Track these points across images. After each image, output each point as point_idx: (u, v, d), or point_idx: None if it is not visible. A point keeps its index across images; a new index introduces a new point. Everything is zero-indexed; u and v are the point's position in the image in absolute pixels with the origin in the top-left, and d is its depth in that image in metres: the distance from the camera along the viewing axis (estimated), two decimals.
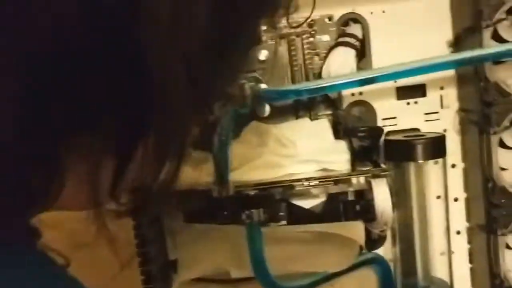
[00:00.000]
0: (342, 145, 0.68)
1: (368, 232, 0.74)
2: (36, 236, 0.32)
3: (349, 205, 0.73)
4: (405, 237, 0.72)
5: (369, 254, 0.74)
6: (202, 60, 0.27)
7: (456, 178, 0.75)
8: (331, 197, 0.73)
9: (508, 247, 0.68)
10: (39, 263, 0.31)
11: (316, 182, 0.62)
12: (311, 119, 0.70)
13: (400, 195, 0.71)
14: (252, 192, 0.60)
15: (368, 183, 0.63)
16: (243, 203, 0.60)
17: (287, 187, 0.62)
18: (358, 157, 0.69)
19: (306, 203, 0.73)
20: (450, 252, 0.72)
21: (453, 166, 0.74)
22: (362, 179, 0.63)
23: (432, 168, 0.72)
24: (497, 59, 0.63)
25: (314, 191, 0.63)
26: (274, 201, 0.61)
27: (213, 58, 0.29)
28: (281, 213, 0.73)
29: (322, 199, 0.73)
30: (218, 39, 0.28)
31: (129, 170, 0.30)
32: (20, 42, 0.23)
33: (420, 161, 0.68)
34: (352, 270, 0.73)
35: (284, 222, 0.73)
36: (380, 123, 0.73)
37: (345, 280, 0.75)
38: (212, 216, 0.64)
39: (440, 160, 0.71)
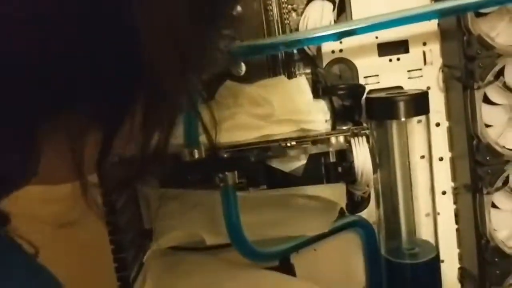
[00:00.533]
0: (322, 104, 0.65)
1: (351, 195, 0.72)
2: (4, 221, 0.30)
3: (331, 167, 0.71)
4: (388, 198, 0.70)
5: (352, 216, 0.72)
6: (188, 29, 0.27)
7: (440, 137, 0.72)
8: (311, 159, 0.70)
9: (494, 206, 0.66)
10: (4, 250, 0.29)
11: (293, 143, 0.59)
12: (289, 78, 0.67)
13: (383, 155, 0.68)
14: (225, 155, 0.57)
15: (348, 143, 0.60)
16: (216, 166, 0.57)
17: (263, 149, 0.59)
18: (338, 116, 0.66)
19: (286, 167, 0.70)
20: (435, 213, 0.70)
21: (438, 125, 0.72)
22: (341, 138, 0.60)
23: (416, 127, 0.69)
24: (480, 8, 0.60)
25: (292, 152, 0.60)
26: (249, 163, 0.58)
27: (199, 27, 0.28)
28: (261, 178, 0.71)
29: (302, 161, 0.70)
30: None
31: (116, 143, 0.28)
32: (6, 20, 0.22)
33: (403, 119, 0.65)
34: (334, 233, 0.71)
35: (264, 186, 0.71)
36: (361, 81, 0.70)
37: (328, 244, 0.73)
38: (185, 181, 0.61)
39: (423, 118, 0.68)
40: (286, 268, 0.72)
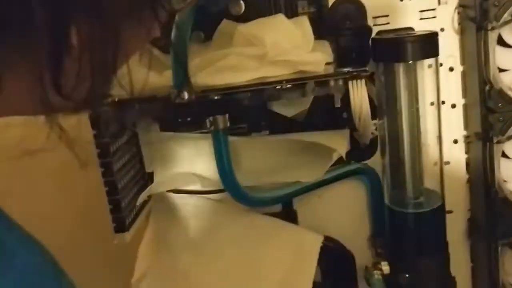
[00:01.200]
0: (324, 45, 0.62)
1: (356, 142, 0.69)
2: None
3: (335, 112, 0.68)
4: (394, 146, 0.67)
5: (357, 164, 0.70)
6: None
7: (454, 83, 0.68)
8: (315, 104, 0.68)
9: (504, 155, 0.62)
10: None
11: (289, 85, 0.56)
12: (291, 17, 0.64)
13: (389, 101, 0.65)
14: (216, 97, 0.55)
15: (347, 86, 0.57)
16: (206, 109, 0.55)
17: (257, 91, 0.56)
18: (341, 58, 0.63)
19: (289, 112, 0.68)
20: (442, 162, 0.66)
21: (451, 69, 0.68)
22: (340, 82, 0.57)
23: (426, 72, 0.65)
24: None
25: (288, 95, 0.57)
26: (241, 106, 0.56)
27: None
28: (263, 123, 0.69)
29: (305, 106, 0.68)
30: None
31: (67, 64, 0.29)
32: None
33: (410, 62, 0.61)
34: (338, 180, 0.69)
35: (266, 132, 0.69)
36: (370, 22, 0.66)
37: (332, 191, 0.71)
38: (176, 123, 0.59)
39: (434, 63, 0.64)
40: (289, 214, 0.71)
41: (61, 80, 0.29)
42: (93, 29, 0.28)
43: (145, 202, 0.71)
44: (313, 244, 0.63)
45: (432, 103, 0.66)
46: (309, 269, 0.61)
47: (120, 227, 0.63)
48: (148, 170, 0.71)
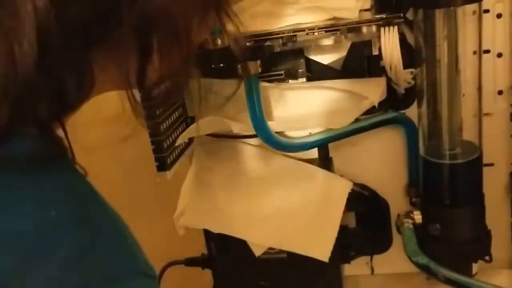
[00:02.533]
0: None
1: (393, 91, 0.69)
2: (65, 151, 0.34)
3: (372, 60, 0.68)
4: (432, 96, 0.66)
5: (393, 113, 0.69)
6: None
7: (501, 31, 0.65)
8: (352, 52, 0.67)
9: None
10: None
11: (321, 32, 0.57)
12: None
13: (428, 49, 0.63)
14: (248, 43, 0.56)
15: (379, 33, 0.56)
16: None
17: (289, 38, 0.57)
18: (380, 4, 0.62)
19: (325, 59, 0.68)
20: (481, 114, 0.65)
21: (499, 16, 0.65)
22: (373, 28, 0.57)
23: (470, 20, 0.63)
24: None
25: (321, 42, 0.58)
26: (274, 53, 0.57)
27: None
28: (300, 70, 0.69)
29: (342, 54, 0.68)
30: None
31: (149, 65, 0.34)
32: None
33: (451, 7, 0.59)
34: (374, 128, 0.70)
35: (303, 79, 0.70)
36: None
37: (368, 140, 0.72)
38: (213, 70, 0.61)
39: (477, 9, 0.61)
40: (324, 161, 0.73)
41: (144, 80, 0.35)
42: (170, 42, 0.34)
43: (188, 145, 0.74)
44: (342, 190, 0.65)
45: (474, 52, 0.64)
46: (337, 213, 0.63)
47: (162, 166, 0.67)
48: (190, 114, 0.74)
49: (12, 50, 0.28)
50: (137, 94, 0.39)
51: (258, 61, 0.57)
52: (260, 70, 0.57)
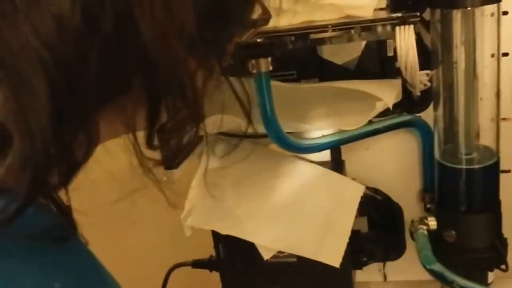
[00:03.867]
0: None
1: (409, 93, 0.67)
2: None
3: (387, 61, 0.66)
4: (448, 99, 0.64)
5: (408, 115, 0.68)
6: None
7: None
8: (367, 52, 0.66)
9: None
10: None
11: (334, 30, 0.55)
12: None
13: (445, 51, 0.62)
14: (258, 40, 0.55)
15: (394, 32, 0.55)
16: (249, 52, 0.55)
17: (301, 35, 0.56)
18: (396, 3, 0.60)
19: (339, 58, 0.67)
20: (498, 118, 0.63)
21: None
22: (388, 27, 0.55)
23: (488, 21, 0.61)
24: None
25: (334, 40, 0.57)
26: (286, 51, 0.55)
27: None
28: (312, 70, 0.68)
29: (356, 54, 0.66)
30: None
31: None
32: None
33: (469, 8, 0.58)
34: (388, 131, 0.68)
35: (316, 79, 0.69)
36: None
37: (381, 143, 0.70)
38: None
39: (496, 10, 0.60)
40: (337, 164, 0.71)
41: (152, 138, 0.35)
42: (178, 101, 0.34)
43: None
44: (354, 193, 0.63)
45: (492, 55, 0.62)
46: (349, 217, 0.62)
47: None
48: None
49: (30, 126, 0.28)
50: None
51: (269, 58, 0.56)
52: (271, 67, 0.56)
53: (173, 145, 0.40)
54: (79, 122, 0.30)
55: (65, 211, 0.34)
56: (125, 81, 0.31)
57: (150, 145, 0.36)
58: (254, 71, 0.56)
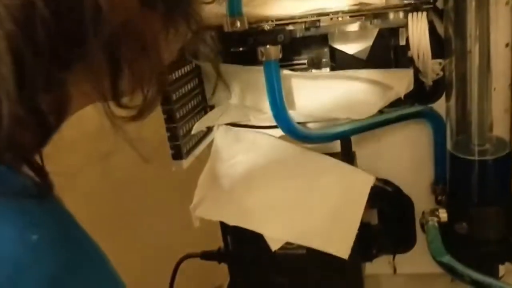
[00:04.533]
0: None
1: (421, 83, 0.66)
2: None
3: (399, 51, 0.65)
4: (461, 89, 0.63)
5: (420, 106, 0.67)
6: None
7: None
8: (378, 41, 0.65)
9: None
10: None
11: (346, 17, 0.55)
12: None
13: (458, 40, 0.61)
14: (268, 27, 0.54)
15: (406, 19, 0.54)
16: (258, 39, 0.55)
17: (311, 23, 0.55)
18: None
19: (350, 48, 0.66)
20: None
21: None
22: (401, 14, 0.54)
23: (503, 10, 0.59)
24: None
25: (345, 28, 0.56)
26: (297, 39, 0.55)
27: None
28: (324, 59, 0.67)
29: (368, 43, 0.65)
30: None
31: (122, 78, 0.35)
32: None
33: None
34: (399, 121, 0.67)
35: (326, 69, 0.68)
36: None
37: (393, 135, 0.70)
38: (227, 55, 0.60)
39: None
40: (347, 155, 0.70)
41: (119, 95, 0.36)
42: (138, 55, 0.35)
43: (207, 134, 0.73)
44: (364, 184, 0.62)
45: (507, 45, 0.61)
46: (358, 208, 0.61)
47: (177, 154, 0.65)
48: (209, 103, 0.73)
49: None
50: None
51: (279, 46, 0.55)
52: (281, 55, 0.55)
53: (148, 99, 0.39)
54: (45, 86, 0.31)
55: (41, 172, 0.34)
56: (82, 41, 0.31)
57: (117, 101, 0.36)
58: (264, 59, 0.56)
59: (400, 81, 0.60)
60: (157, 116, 0.66)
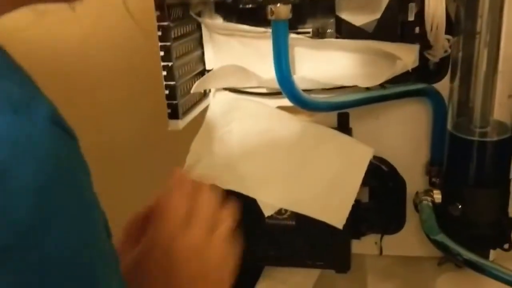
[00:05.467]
0: None
1: (425, 61, 0.65)
2: None
3: (408, 26, 0.64)
4: (467, 70, 0.62)
5: (421, 84, 0.66)
6: None
7: None
8: (386, 15, 0.64)
9: None
10: None
11: None
12: None
13: (469, 20, 0.60)
14: None
15: None
16: None
17: None
18: None
19: (357, 19, 0.65)
20: None
21: None
22: None
23: None
24: None
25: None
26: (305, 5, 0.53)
27: None
28: (329, 30, 0.66)
29: (376, 15, 0.64)
30: None
31: None
32: None
33: None
34: (400, 98, 0.66)
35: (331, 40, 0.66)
36: None
37: (392, 113, 0.69)
38: (239, 15, 0.58)
39: None
40: (344, 130, 0.69)
41: None
42: None
43: (203, 98, 0.71)
44: (363, 156, 0.61)
45: None
46: (356, 179, 0.60)
47: (174, 113, 0.63)
48: (208, 67, 0.71)
49: None
50: None
51: (290, 6, 0.54)
52: (290, 15, 0.54)
53: None
54: None
55: None
56: None
57: None
58: (273, 17, 0.54)
59: (408, 54, 0.59)
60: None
